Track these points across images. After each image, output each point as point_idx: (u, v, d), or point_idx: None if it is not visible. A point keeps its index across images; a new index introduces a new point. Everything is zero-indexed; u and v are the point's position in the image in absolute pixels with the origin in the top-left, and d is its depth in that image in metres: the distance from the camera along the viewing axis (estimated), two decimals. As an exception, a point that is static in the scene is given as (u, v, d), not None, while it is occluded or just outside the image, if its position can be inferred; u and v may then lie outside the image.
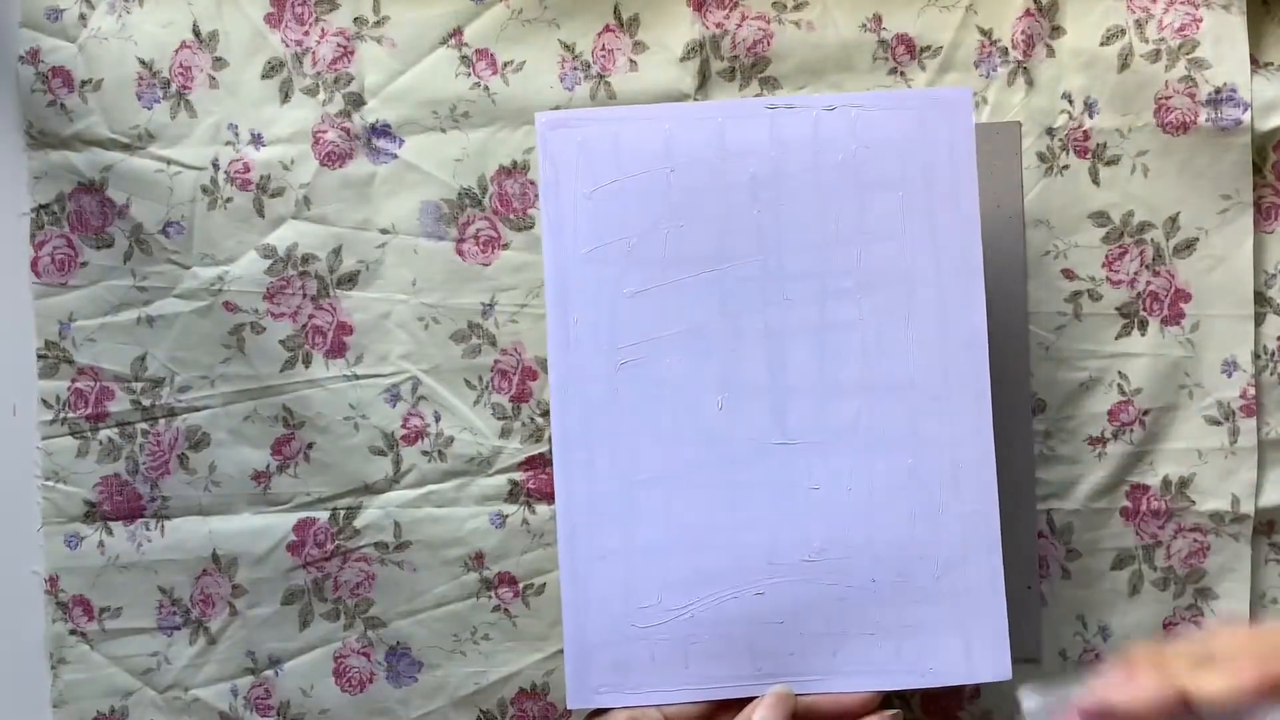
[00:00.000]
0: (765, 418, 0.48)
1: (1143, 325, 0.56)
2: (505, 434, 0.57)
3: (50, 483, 0.58)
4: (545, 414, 0.57)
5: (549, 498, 0.57)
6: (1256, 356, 0.55)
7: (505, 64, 0.57)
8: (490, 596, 0.58)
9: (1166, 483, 0.56)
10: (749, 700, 0.47)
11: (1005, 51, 0.56)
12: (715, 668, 0.48)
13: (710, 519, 0.48)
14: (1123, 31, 0.55)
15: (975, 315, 0.48)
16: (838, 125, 0.48)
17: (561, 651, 0.53)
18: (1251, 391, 0.55)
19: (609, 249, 0.49)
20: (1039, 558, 0.56)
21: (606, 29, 0.57)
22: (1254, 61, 0.55)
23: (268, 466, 0.58)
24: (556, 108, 0.57)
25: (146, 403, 0.58)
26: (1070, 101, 0.56)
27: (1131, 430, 0.56)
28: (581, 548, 0.49)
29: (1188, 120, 0.55)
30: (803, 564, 0.48)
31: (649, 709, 0.48)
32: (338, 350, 0.58)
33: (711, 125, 0.49)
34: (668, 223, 0.49)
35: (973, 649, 0.48)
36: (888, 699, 0.49)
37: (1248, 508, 0.55)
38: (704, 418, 0.48)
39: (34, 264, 0.58)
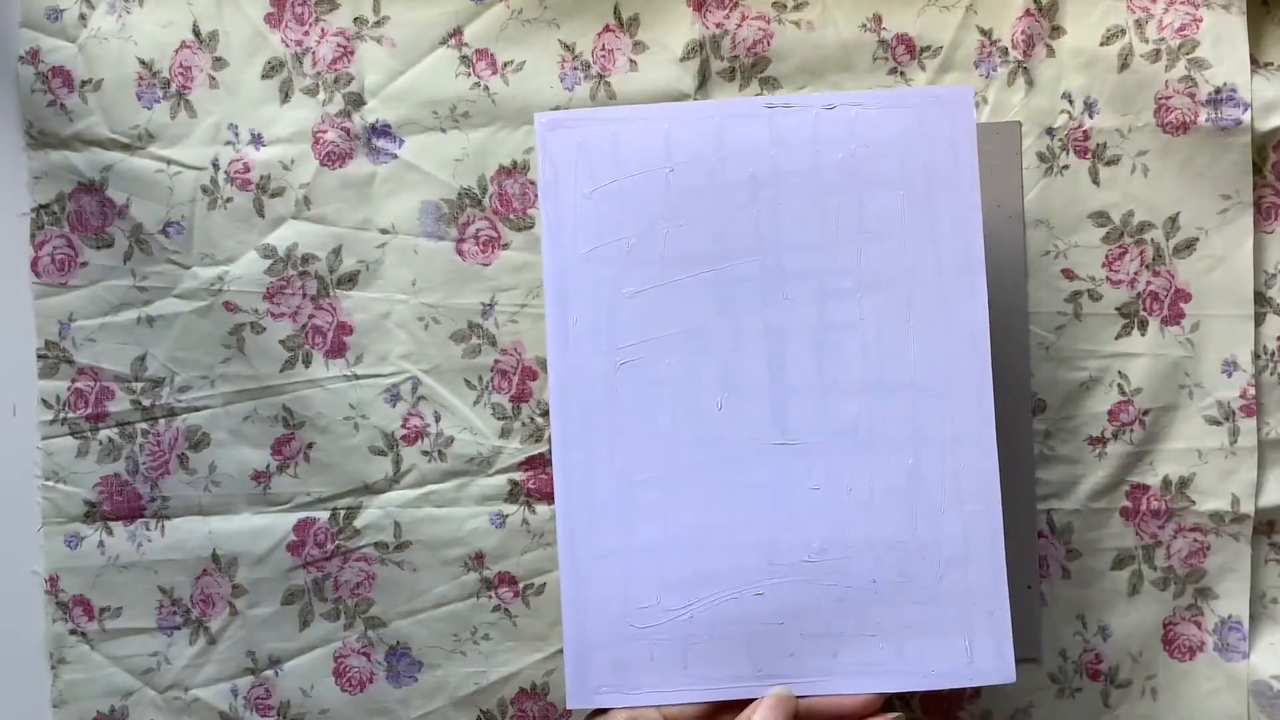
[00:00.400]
0: (765, 418, 0.48)
1: (1143, 325, 0.56)
2: (505, 434, 0.57)
3: (50, 483, 0.58)
4: (545, 414, 0.57)
5: (549, 498, 0.57)
6: (1256, 356, 0.55)
7: (505, 64, 0.57)
8: (490, 596, 0.58)
9: (1166, 483, 0.56)
10: (749, 702, 0.47)
11: (1005, 51, 0.56)
12: (714, 668, 0.48)
13: (709, 519, 0.48)
14: (1123, 31, 0.55)
15: (977, 313, 0.48)
16: (837, 124, 0.48)
17: (561, 651, 0.53)
18: (1251, 391, 0.55)
19: (608, 249, 0.49)
20: (1039, 557, 0.56)
21: (606, 29, 0.57)
22: (1254, 61, 0.55)
23: (268, 466, 0.58)
24: (556, 108, 0.57)
25: (146, 403, 0.58)
26: (1070, 101, 0.56)
27: (1131, 430, 0.56)
28: (581, 548, 0.48)
29: (1188, 120, 0.55)
30: (802, 564, 0.48)
31: (648, 709, 0.48)
32: (338, 350, 0.58)
33: (710, 125, 0.48)
34: (667, 222, 0.48)
35: (975, 650, 0.47)
36: (889, 701, 0.49)
37: (1248, 508, 0.55)
38: (703, 418, 0.48)
39: (34, 264, 0.58)
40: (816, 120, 0.48)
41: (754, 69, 0.56)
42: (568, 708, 0.49)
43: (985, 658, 0.47)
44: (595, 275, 0.49)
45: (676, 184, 0.48)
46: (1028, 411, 0.56)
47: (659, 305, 0.49)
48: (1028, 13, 0.55)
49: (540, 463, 0.57)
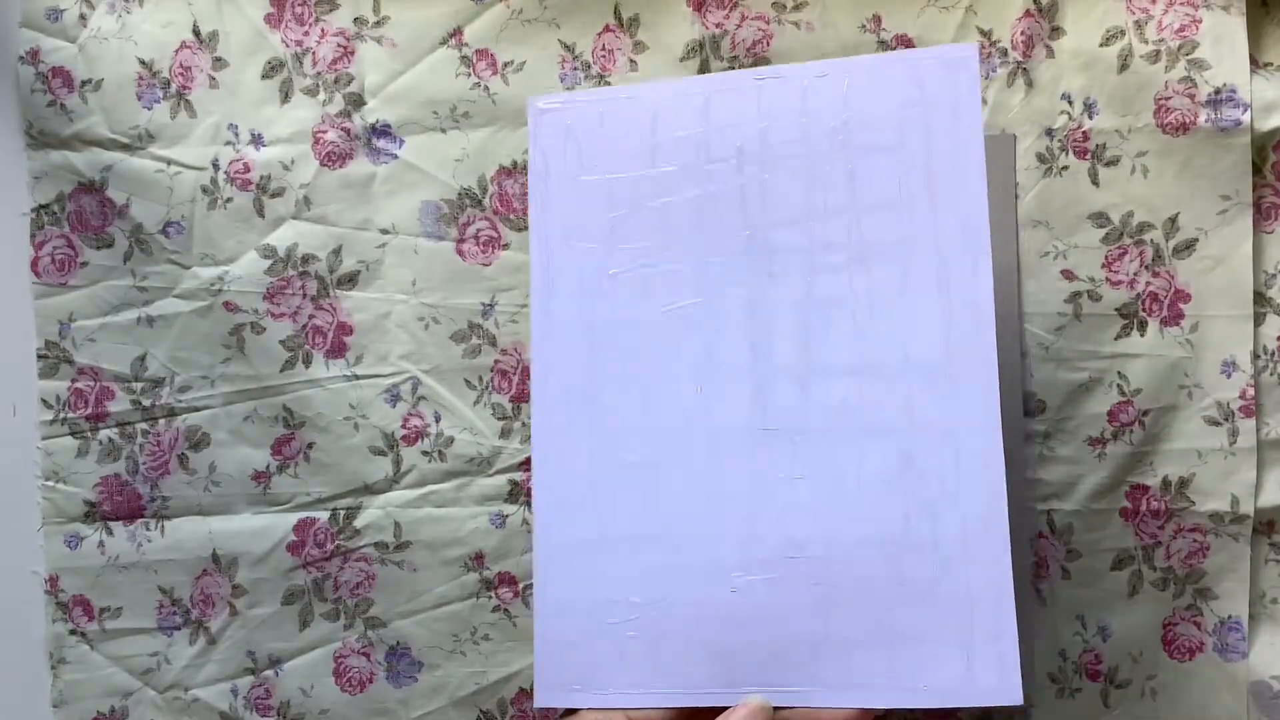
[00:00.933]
0: (746, 402, 0.46)
1: (1142, 326, 0.56)
2: (505, 434, 0.57)
3: (50, 483, 0.58)
4: (545, 414, 0.57)
5: (549, 498, 0.57)
6: (1256, 357, 0.55)
7: (505, 64, 0.57)
8: (490, 596, 0.58)
9: (1166, 483, 0.56)
10: (721, 710, 0.44)
11: (1005, 52, 0.56)
12: (686, 671, 0.45)
13: (685, 510, 0.46)
14: (1122, 32, 0.55)
15: (980, 286, 0.44)
16: (829, 92, 0.46)
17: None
18: (1251, 392, 0.55)
19: (592, 230, 0.47)
20: (1039, 558, 0.56)
21: (606, 29, 0.57)
22: (1254, 62, 0.55)
23: (268, 466, 0.58)
24: (556, 108, 0.57)
25: (146, 403, 0.58)
26: (1070, 102, 0.56)
27: (1131, 431, 0.56)
28: (556, 537, 0.47)
29: (1187, 121, 0.55)
30: (783, 560, 0.45)
31: (614, 712, 0.45)
32: (338, 350, 0.58)
33: (697, 100, 0.47)
34: (652, 202, 0.47)
35: (975, 664, 0.43)
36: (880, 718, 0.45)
37: (1247, 508, 0.55)
38: (683, 403, 0.46)
39: (34, 264, 0.58)
40: (807, 90, 0.46)
41: (754, 68, 0.56)
42: (535, 706, 0.47)
43: (987, 673, 0.43)
44: (580, 257, 0.47)
45: (662, 161, 0.47)
46: (1019, 412, 0.56)
47: (642, 286, 0.47)
48: (1027, 13, 0.55)
49: (540, 463, 0.57)
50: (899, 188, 0.45)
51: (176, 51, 0.57)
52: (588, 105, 0.48)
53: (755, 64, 0.56)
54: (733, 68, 0.56)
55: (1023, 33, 0.55)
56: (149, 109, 0.57)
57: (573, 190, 0.48)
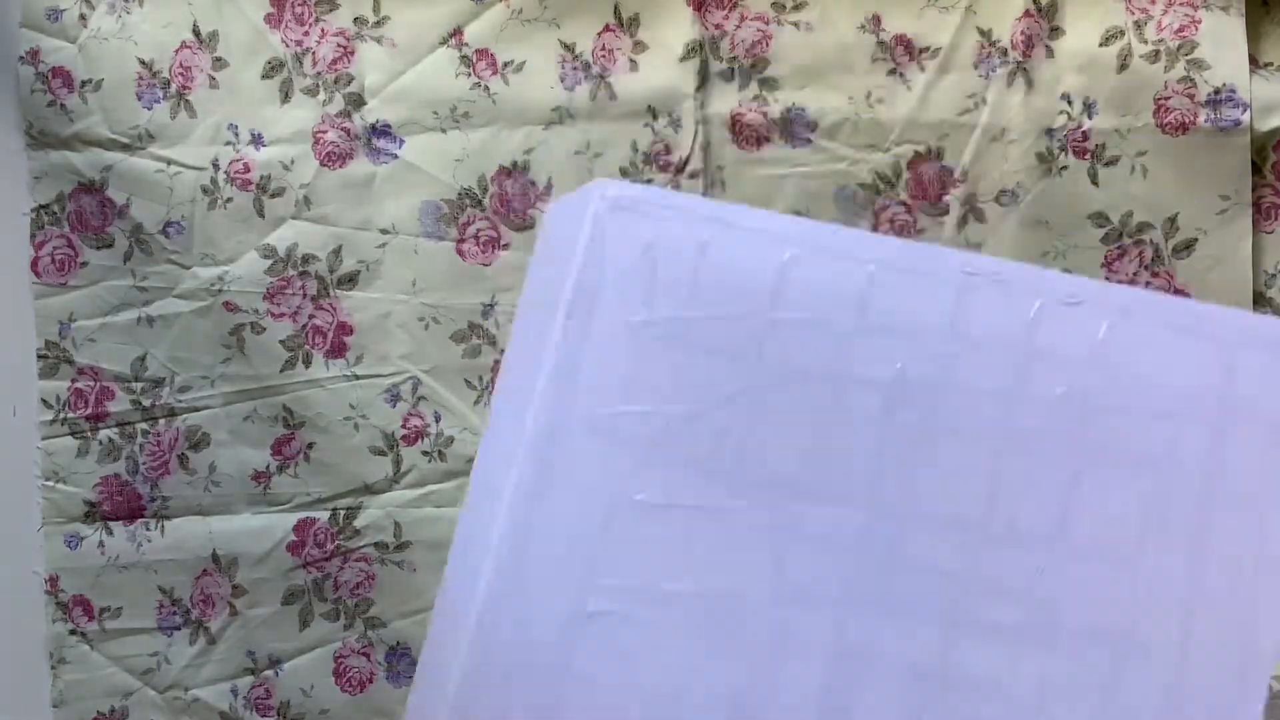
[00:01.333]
0: None
1: (1142, 325, 0.56)
2: (505, 434, 0.57)
3: (50, 483, 0.58)
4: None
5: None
6: (1255, 357, 0.55)
7: (505, 64, 0.57)
8: (490, 596, 0.57)
9: (1166, 483, 0.56)
10: None
11: (1004, 52, 0.56)
12: None
13: None
14: (1122, 32, 0.55)
15: None
16: (1075, 334, 0.29)
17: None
18: (1250, 392, 0.55)
19: (635, 420, 0.30)
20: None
21: (606, 29, 0.57)
22: (1253, 62, 0.55)
23: (268, 466, 0.58)
24: (557, 108, 0.57)
25: (146, 403, 0.58)
26: (1069, 102, 0.56)
27: (1131, 430, 0.56)
28: None
29: (1187, 121, 0.55)
30: None
31: None
32: (338, 350, 0.58)
33: (858, 271, 0.29)
34: (740, 408, 0.29)
35: None
36: None
37: (1247, 508, 0.55)
38: None
39: (34, 264, 0.58)
40: (1038, 317, 0.29)
41: (753, 69, 0.56)
42: None
43: None
44: (601, 458, 0.30)
45: (775, 351, 0.29)
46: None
47: (681, 537, 0.29)
48: (1027, 13, 0.55)
49: (540, 463, 0.57)
50: (1148, 527, 0.28)
51: (176, 51, 0.57)
52: (689, 222, 0.30)
53: (754, 65, 0.56)
54: (732, 69, 0.56)
55: (1022, 33, 0.55)
56: (149, 109, 0.57)
57: (624, 344, 0.30)
